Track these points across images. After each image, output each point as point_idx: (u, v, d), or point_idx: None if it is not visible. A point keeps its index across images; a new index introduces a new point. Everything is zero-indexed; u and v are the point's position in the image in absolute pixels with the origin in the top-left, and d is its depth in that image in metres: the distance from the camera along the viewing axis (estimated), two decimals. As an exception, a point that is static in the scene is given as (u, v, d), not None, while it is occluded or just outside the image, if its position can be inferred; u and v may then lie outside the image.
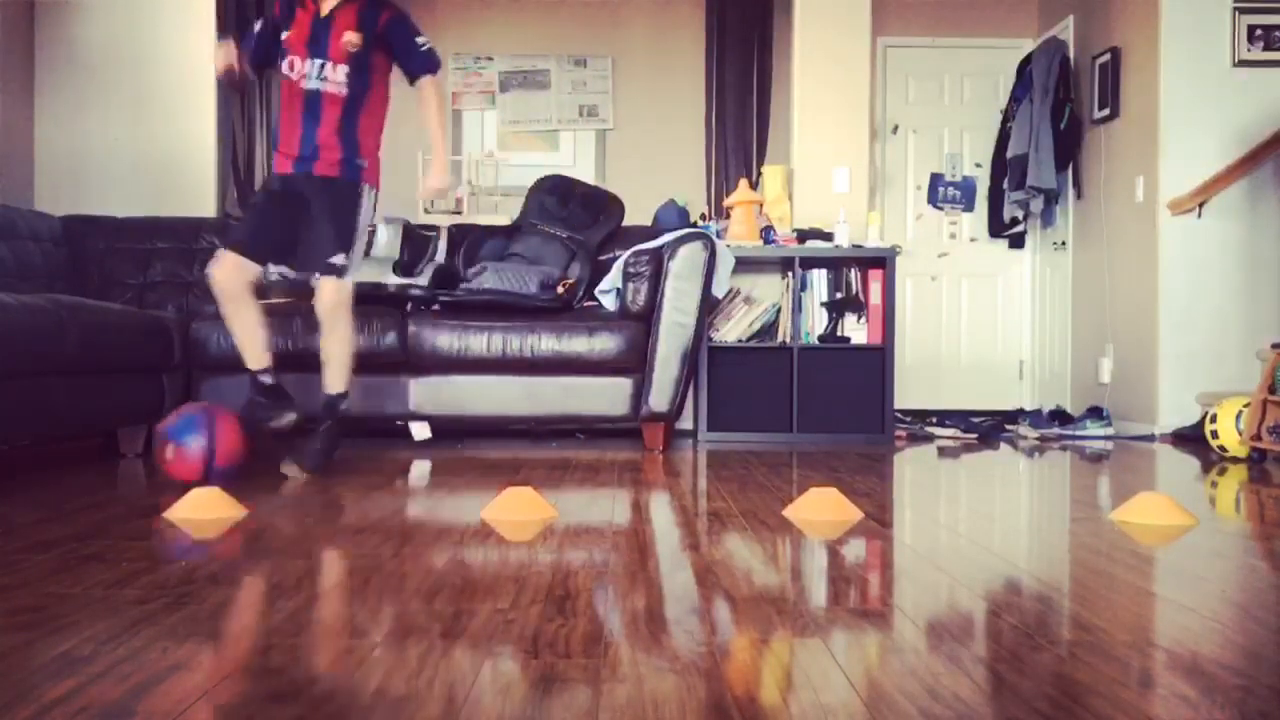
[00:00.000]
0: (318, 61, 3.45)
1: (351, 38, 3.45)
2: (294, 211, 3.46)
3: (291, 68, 3.45)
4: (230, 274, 3.38)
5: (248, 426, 3.30)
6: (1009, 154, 6.22)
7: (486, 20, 7.29)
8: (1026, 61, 6.29)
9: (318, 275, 3.40)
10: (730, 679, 1.35)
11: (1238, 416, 4.13)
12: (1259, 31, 5.09)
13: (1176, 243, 5.12)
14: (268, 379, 3.49)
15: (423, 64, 3.60)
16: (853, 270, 4.94)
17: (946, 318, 6.76)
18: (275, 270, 3.60)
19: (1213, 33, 5.10)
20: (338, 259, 3.39)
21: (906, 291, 6.63)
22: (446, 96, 7.29)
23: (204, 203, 5.26)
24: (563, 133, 7.29)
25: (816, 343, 4.92)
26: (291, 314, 4.29)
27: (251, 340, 3.46)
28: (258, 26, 3.60)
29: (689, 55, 7.03)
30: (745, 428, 4.82)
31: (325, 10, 3.47)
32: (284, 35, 3.47)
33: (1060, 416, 5.53)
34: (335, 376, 3.51)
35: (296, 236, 3.47)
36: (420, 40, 3.60)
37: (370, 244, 4.69)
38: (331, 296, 3.39)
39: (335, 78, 3.46)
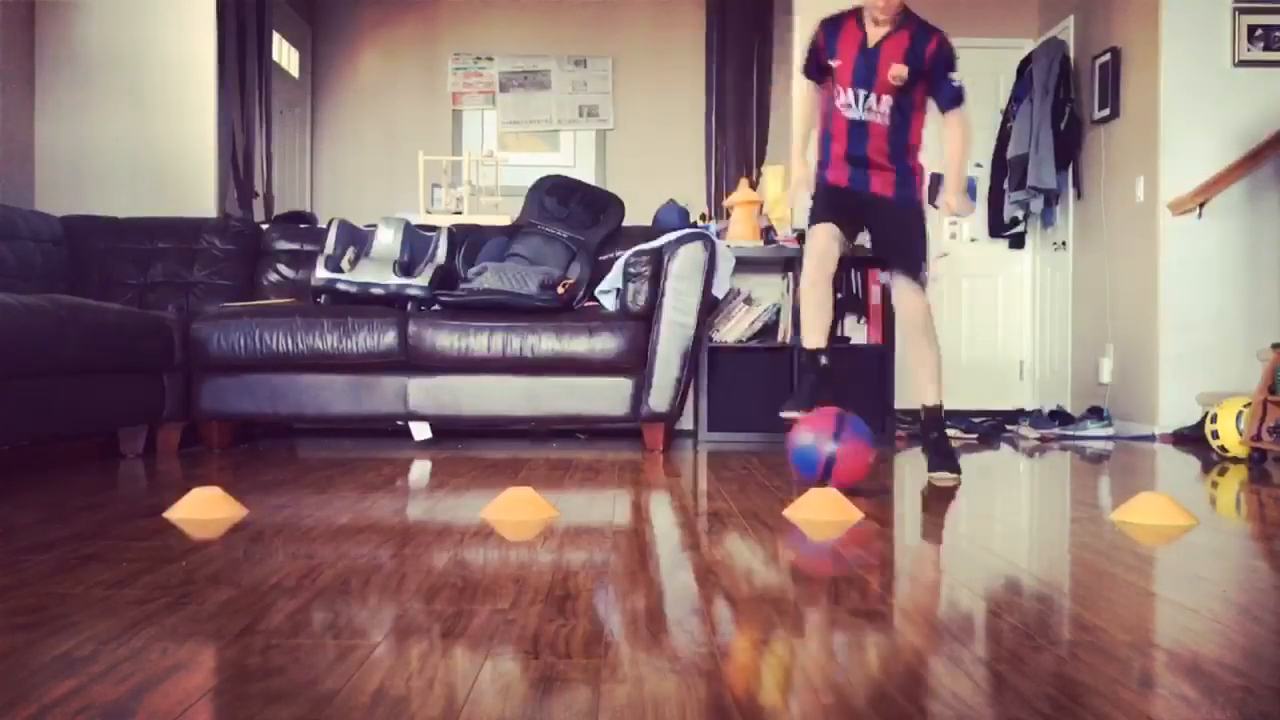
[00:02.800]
0: (862, 92, 3.39)
1: (899, 72, 3.37)
2: (861, 215, 3.53)
3: (837, 97, 3.41)
4: (829, 247, 3.39)
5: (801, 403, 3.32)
6: (1009, 154, 6.22)
7: (486, 20, 7.29)
8: (1027, 61, 6.29)
9: (901, 274, 3.48)
10: (730, 679, 1.35)
11: (1238, 417, 4.13)
12: (1259, 31, 5.09)
13: (1177, 243, 5.12)
14: (825, 359, 3.47)
15: (953, 99, 3.53)
16: (853, 270, 4.94)
17: (947, 318, 6.75)
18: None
19: (1213, 33, 5.10)
20: (921, 268, 3.52)
21: (907, 292, 6.62)
22: (447, 96, 7.30)
23: (204, 203, 5.26)
24: (563, 133, 7.30)
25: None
26: (292, 314, 4.30)
27: (823, 319, 3.47)
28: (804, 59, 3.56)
29: (689, 55, 7.04)
30: (745, 428, 4.82)
31: (873, 40, 3.39)
32: (832, 65, 3.41)
33: (1060, 417, 5.53)
34: (929, 391, 3.56)
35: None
36: (954, 76, 3.51)
37: (370, 244, 4.69)
38: (921, 305, 3.51)
39: (880, 109, 3.41)
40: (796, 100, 3.62)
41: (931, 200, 6.95)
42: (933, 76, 3.46)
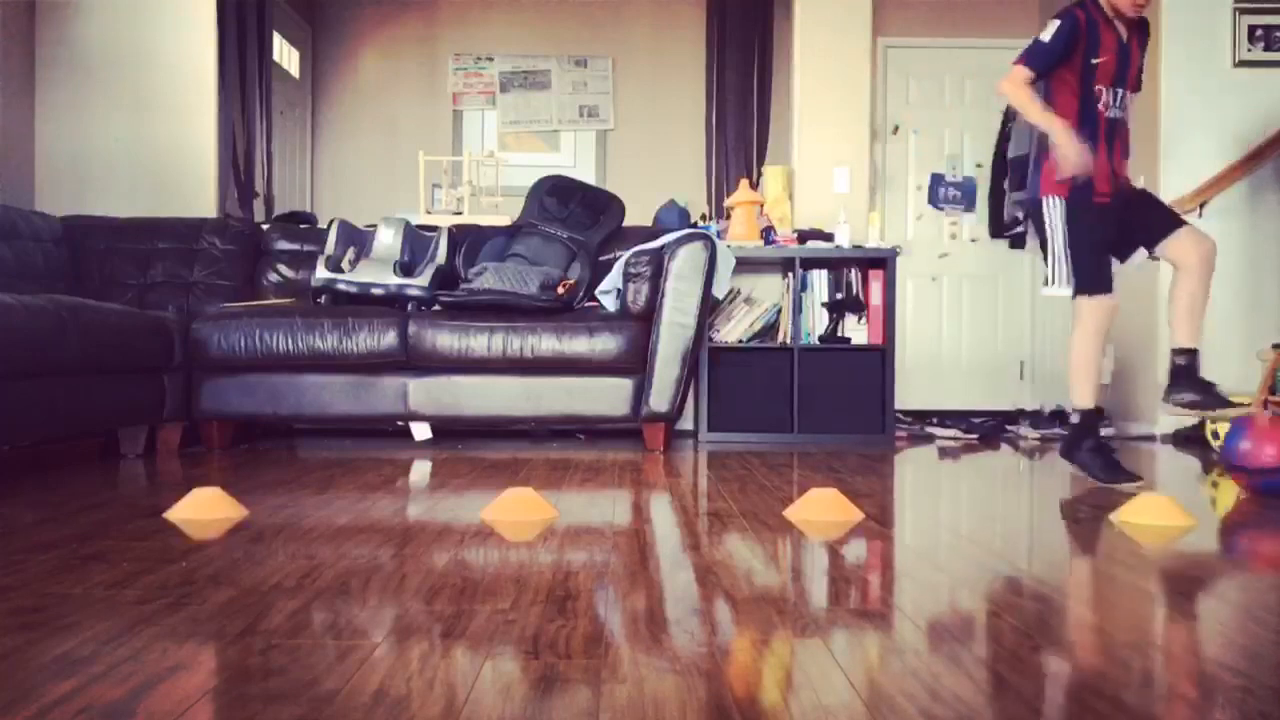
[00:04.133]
0: (1120, 91, 3.32)
1: (1140, 64, 3.34)
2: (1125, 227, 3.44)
3: (1100, 97, 3.31)
4: (1108, 320, 3.44)
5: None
6: (1010, 154, 6.20)
7: (487, 20, 7.30)
8: (1027, 62, 6.28)
9: (1181, 228, 3.37)
10: (731, 680, 1.35)
11: (1238, 417, 4.12)
12: (1259, 32, 5.09)
13: (1177, 243, 5.11)
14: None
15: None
16: (853, 271, 4.94)
17: (947, 318, 6.76)
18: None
19: (1213, 33, 5.10)
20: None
21: (907, 292, 6.63)
22: (447, 96, 7.30)
23: (204, 203, 5.26)
24: (563, 133, 7.30)
25: (817, 343, 4.92)
26: (292, 314, 4.30)
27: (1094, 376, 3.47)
28: (1047, 38, 3.34)
29: (689, 55, 7.04)
30: (746, 428, 4.82)
31: (1126, 36, 3.32)
32: (1095, 62, 3.30)
33: (1061, 417, 5.53)
34: (1079, 391, 3.52)
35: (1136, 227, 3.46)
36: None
37: (370, 244, 4.69)
38: (1209, 241, 3.34)
39: (1130, 105, 3.35)
40: (1023, 100, 3.39)
41: (932, 201, 6.95)
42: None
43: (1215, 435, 4.24)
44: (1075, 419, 3.52)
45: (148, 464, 3.80)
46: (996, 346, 6.75)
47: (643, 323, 4.36)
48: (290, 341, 4.23)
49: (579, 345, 4.32)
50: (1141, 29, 3.40)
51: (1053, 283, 3.57)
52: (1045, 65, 3.32)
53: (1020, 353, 6.75)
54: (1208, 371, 5.01)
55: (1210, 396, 3.31)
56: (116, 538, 2.26)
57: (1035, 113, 3.34)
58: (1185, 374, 3.35)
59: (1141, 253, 3.63)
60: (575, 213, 4.98)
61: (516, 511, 2.59)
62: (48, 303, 3.38)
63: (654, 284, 4.36)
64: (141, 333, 3.91)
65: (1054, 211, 3.48)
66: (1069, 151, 3.24)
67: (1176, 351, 3.38)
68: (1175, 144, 5.12)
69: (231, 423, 4.38)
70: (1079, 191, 3.37)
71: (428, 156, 5.78)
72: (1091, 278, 3.41)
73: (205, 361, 4.23)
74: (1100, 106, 3.32)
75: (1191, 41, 5.11)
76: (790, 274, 4.91)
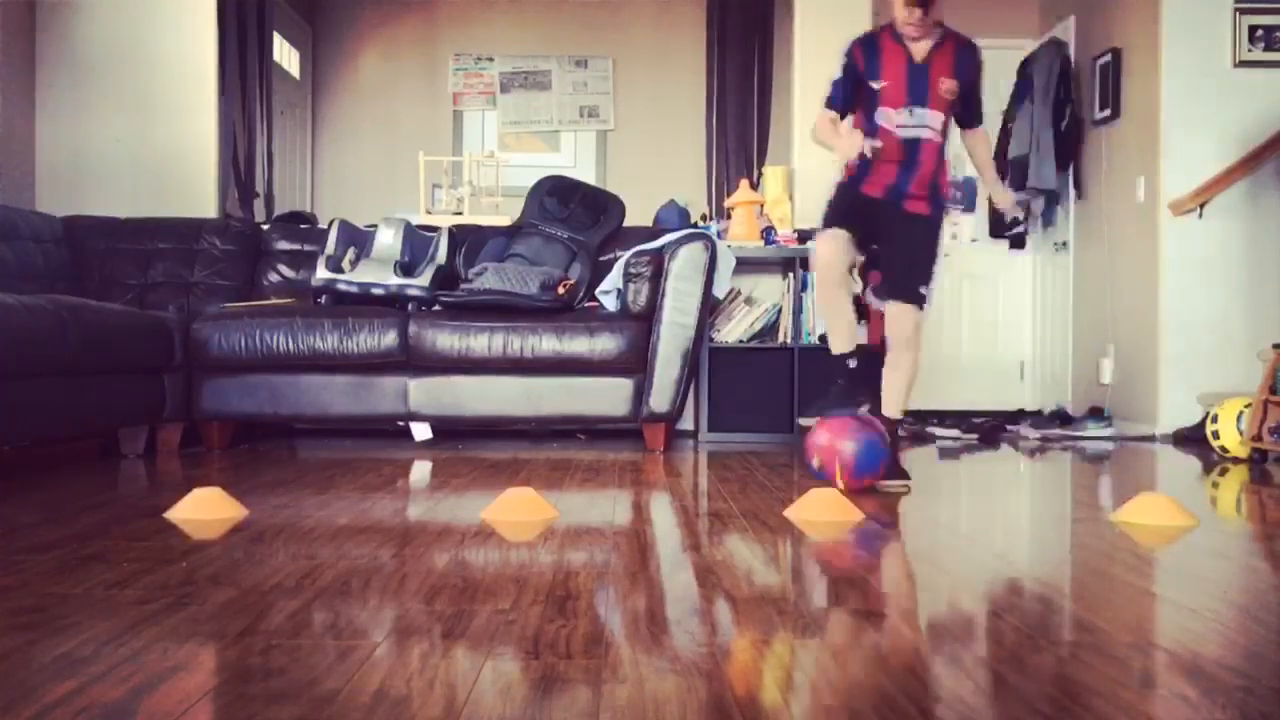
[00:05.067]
0: (917, 109, 3.31)
1: (949, 86, 3.32)
2: (876, 226, 3.41)
3: (887, 119, 3.33)
4: (837, 253, 3.32)
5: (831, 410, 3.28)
6: (1010, 155, 6.22)
7: (487, 21, 7.30)
8: (1027, 62, 6.29)
9: (898, 301, 3.36)
10: (731, 680, 1.35)
11: (1239, 417, 4.13)
12: (1260, 32, 5.09)
13: (1177, 243, 5.12)
14: (853, 363, 3.42)
15: (980, 114, 3.50)
16: (853, 271, 4.94)
17: (947, 318, 6.76)
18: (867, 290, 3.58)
19: (1213, 33, 5.10)
20: (924, 289, 3.39)
21: (907, 292, 6.63)
22: (448, 97, 7.30)
23: (204, 203, 5.26)
24: (563, 133, 7.30)
25: (817, 343, 4.92)
26: (292, 314, 4.29)
27: (843, 324, 3.42)
28: (839, 75, 3.43)
29: (689, 56, 7.04)
30: (746, 428, 4.82)
31: (920, 56, 3.32)
32: (876, 87, 3.33)
33: (1061, 417, 5.53)
34: (895, 401, 3.42)
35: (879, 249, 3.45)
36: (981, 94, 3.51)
37: (370, 244, 4.69)
38: (912, 322, 3.35)
39: (931, 125, 3.33)
40: (822, 136, 3.48)
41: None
42: (974, 94, 3.43)
43: (1215, 435, 4.24)
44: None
45: (148, 464, 3.80)
46: (996, 347, 6.75)
47: (643, 323, 4.36)
48: (290, 341, 4.23)
49: (579, 345, 4.32)
50: (958, 50, 3.36)
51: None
52: (841, 102, 3.43)
53: (1020, 353, 6.75)
54: (1210, 371, 5.02)
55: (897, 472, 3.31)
56: (116, 538, 2.26)
57: (829, 138, 3.44)
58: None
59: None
60: (575, 213, 4.98)
61: (517, 511, 2.59)
62: (48, 303, 3.38)
63: (654, 284, 4.36)
64: (142, 333, 3.91)
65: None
66: (844, 143, 3.33)
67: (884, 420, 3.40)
68: (1175, 144, 5.12)
69: (231, 423, 4.38)
70: (851, 179, 3.47)
71: (428, 157, 5.78)
72: (830, 216, 3.44)
73: (205, 361, 4.23)
74: (889, 126, 3.35)
75: (1191, 41, 5.11)
76: (790, 274, 4.91)
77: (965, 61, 3.37)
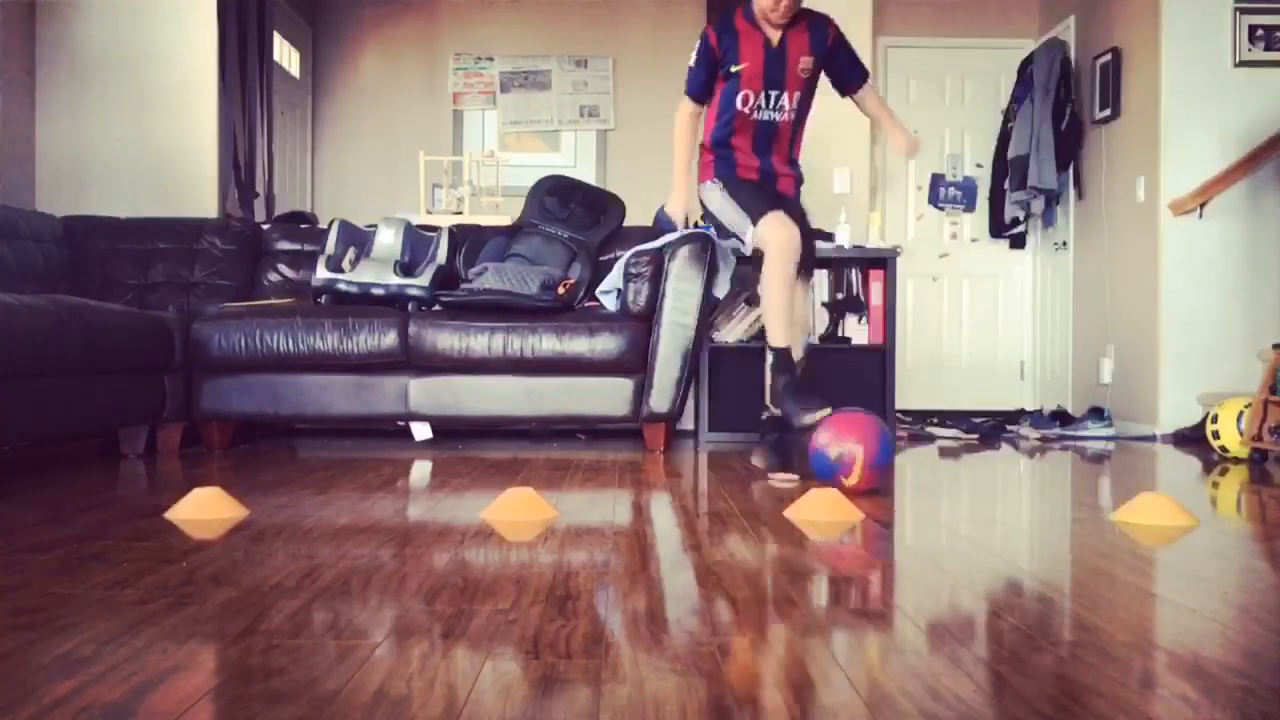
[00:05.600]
0: (773, 93, 3.41)
1: (805, 64, 3.41)
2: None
3: (745, 102, 3.42)
4: (792, 233, 3.41)
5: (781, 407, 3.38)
6: (1010, 154, 6.22)
7: (487, 20, 7.30)
8: (1027, 62, 6.29)
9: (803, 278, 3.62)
10: (731, 680, 1.35)
11: (1239, 417, 4.13)
12: (1260, 31, 5.09)
13: (1177, 243, 5.12)
14: (798, 353, 3.57)
15: (864, 73, 3.61)
16: (854, 270, 4.94)
17: (947, 318, 6.76)
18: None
19: (1213, 33, 5.10)
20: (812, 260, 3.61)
21: (907, 292, 6.64)
22: (448, 96, 7.30)
23: (204, 203, 5.26)
24: (564, 133, 7.30)
25: (817, 343, 4.92)
26: (292, 314, 4.30)
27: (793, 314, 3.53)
28: (694, 62, 3.55)
29: (689, 55, 7.03)
30: (746, 428, 4.82)
31: (776, 39, 3.42)
32: (735, 70, 3.42)
33: (1061, 417, 5.53)
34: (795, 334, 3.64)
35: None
36: (856, 51, 3.62)
37: (370, 244, 4.69)
38: (807, 291, 3.59)
39: (790, 106, 3.44)
40: (679, 125, 3.60)
41: (933, 201, 6.93)
42: (838, 61, 3.55)
43: (1216, 435, 4.24)
44: (770, 358, 3.62)
45: (148, 464, 3.80)
46: (996, 346, 6.75)
47: (643, 323, 4.36)
48: (290, 341, 4.23)
49: (579, 345, 4.32)
50: (811, 27, 3.46)
51: (744, 244, 3.77)
52: (697, 88, 3.54)
53: (1020, 353, 6.75)
54: (1210, 371, 5.02)
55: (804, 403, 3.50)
56: (116, 538, 2.26)
57: (676, 161, 3.65)
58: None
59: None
60: (576, 213, 4.98)
61: (517, 511, 2.59)
62: (48, 303, 3.38)
63: (654, 284, 4.36)
64: (142, 333, 3.91)
65: (712, 193, 3.65)
66: (675, 209, 3.65)
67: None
68: (1175, 144, 5.12)
69: (232, 423, 4.38)
70: (726, 175, 3.60)
71: (428, 156, 5.79)
72: (756, 205, 3.53)
73: (205, 361, 4.23)
74: (746, 110, 3.43)
75: (1191, 41, 5.11)
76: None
77: (818, 36, 3.49)
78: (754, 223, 3.48)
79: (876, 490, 3.10)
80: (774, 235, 3.42)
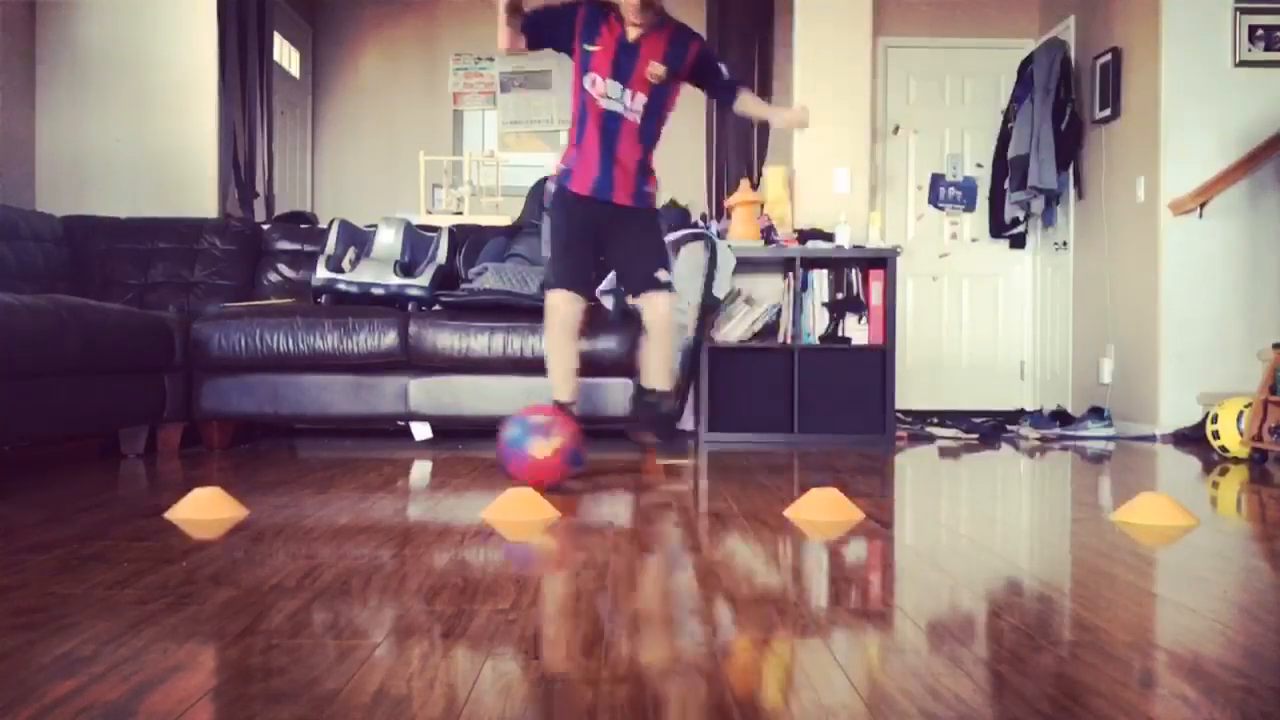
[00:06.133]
0: (618, 85, 3.42)
1: (656, 69, 3.41)
2: (599, 236, 3.56)
3: (594, 85, 3.43)
4: (574, 312, 3.49)
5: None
6: (1010, 154, 6.22)
7: (487, 20, 7.25)
8: (1027, 62, 6.29)
9: (646, 292, 3.55)
10: (731, 680, 1.35)
11: (1239, 417, 4.13)
12: (1260, 31, 5.09)
13: (1177, 243, 5.12)
14: (575, 409, 3.59)
15: (734, 82, 3.62)
16: (854, 270, 4.94)
17: (947, 318, 6.76)
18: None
19: (1214, 33, 5.10)
20: (664, 274, 3.57)
21: (907, 292, 6.63)
22: (448, 96, 7.30)
23: (204, 203, 5.26)
24: (563, 133, 7.29)
25: (817, 343, 4.92)
26: (292, 314, 4.29)
27: (573, 371, 3.58)
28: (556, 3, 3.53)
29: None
30: (746, 428, 4.82)
31: (633, 36, 3.43)
32: (589, 49, 3.43)
33: (1061, 417, 5.53)
34: (662, 372, 3.66)
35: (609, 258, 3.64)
36: (724, 67, 3.62)
37: (370, 244, 4.69)
38: (666, 306, 3.56)
39: (634, 106, 3.43)
40: (500, 34, 3.48)
41: (933, 201, 6.93)
42: (704, 77, 3.57)
43: (1216, 435, 4.24)
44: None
45: (148, 464, 3.80)
46: (996, 346, 6.75)
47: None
48: (290, 341, 4.23)
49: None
50: (674, 38, 3.47)
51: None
52: (536, 20, 3.47)
53: (1020, 353, 6.75)
54: (1210, 371, 5.02)
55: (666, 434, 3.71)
56: (116, 538, 2.26)
57: (500, 33, 3.48)
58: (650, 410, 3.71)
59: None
60: (575, 213, 4.97)
61: (516, 511, 2.59)
62: (48, 303, 3.38)
63: (654, 284, 4.36)
64: (142, 333, 3.91)
65: (548, 214, 3.68)
66: (504, 31, 3.41)
67: (645, 390, 3.68)
68: (1175, 144, 5.12)
69: (232, 423, 4.38)
70: (560, 179, 3.56)
71: (428, 156, 5.79)
72: (554, 270, 3.57)
73: (205, 361, 4.23)
74: (594, 92, 3.43)
75: (1191, 41, 5.11)
76: (790, 274, 4.91)
77: (679, 49, 3.47)
78: (546, 285, 3.57)
79: (874, 492, 3.10)
80: (554, 308, 3.51)
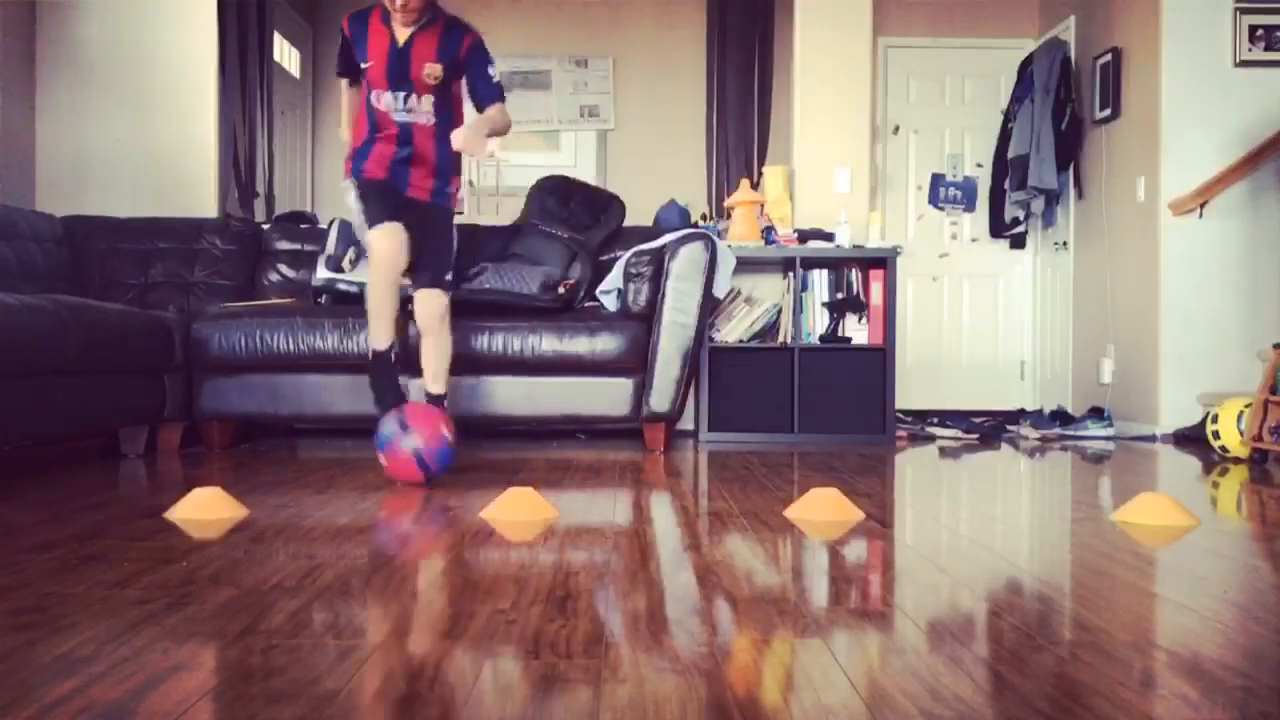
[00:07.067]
0: (400, 95, 3.38)
1: (433, 70, 3.37)
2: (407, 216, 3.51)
3: (379, 100, 3.40)
4: (398, 249, 3.38)
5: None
6: (1010, 154, 6.22)
7: (487, 20, 7.27)
8: (1027, 62, 6.29)
9: (427, 288, 3.53)
10: (731, 680, 1.35)
11: (1239, 417, 4.13)
12: (1260, 31, 5.09)
13: (1178, 243, 5.12)
14: (394, 355, 3.55)
15: (492, 95, 3.55)
16: (854, 270, 4.94)
17: (947, 318, 6.76)
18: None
19: (1214, 33, 5.10)
20: (448, 275, 3.58)
21: (907, 292, 6.64)
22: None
23: (204, 203, 5.25)
24: (564, 133, 7.29)
25: (817, 343, 4.92)
26: (292, 314, 4.29)
27: (391, 315, 3.51)
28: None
29: (689, 55, 7.03)
30: (746, 428, 4.82)
31: (403, 39, 3.38)
32: (364, 66, 3.40)
33: (1061, 417, 5.53)
34: (441, 376, 3.64)
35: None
36: (493, 72, 3.55)
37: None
38: (441, 306, 3.55)
39: (421, 108, 3.40)
40: (343, 100, 3.69)
41: (933, 201, 6.94)
42: (470, 74, 3.48)
43: (1216, 435, 4.24)
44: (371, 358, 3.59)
45: (148, 464, 3.80)
46: (996, 346, 6.75)
47: (643, 323, 4.36)
48: (291, 341, 4.23)
49: (579, 345, 4.32)
50: (444, 32, 3.40)
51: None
52: (340, 69, 3.61)
53: (1020, 353, 6.75)
54: (1210, 371, 5.02)
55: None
56: (116, 538, 2.26)
57: (345, 123, 3.63)
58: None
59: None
60: (575, 212, 4.98)
61: (516, 511, 2.59)
62: (48, 303, 3.38)
63: (654, 284, 4.36)
64: (142, 333, 3.91)
65: (349, 193, 3.56)
66: (348, 134, 3.57)
67: (431, 397, 3.65)
68: (1175, 144, 5.12)
69: (232, 423, 4.38)
70: (357, 172, 3.54)
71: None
72: (369, 214, 3.47)
73: (206, 361, 4.23)
74: (381, 108, 3.41)
75: (1191, 41, 5.11)
76: (791, 274, 4.91)
77: (451, 43, 3.40)
78: (369, 227, 3.46)
79: (874, 491, 3.10)
80: (375, 247, 3.39)
